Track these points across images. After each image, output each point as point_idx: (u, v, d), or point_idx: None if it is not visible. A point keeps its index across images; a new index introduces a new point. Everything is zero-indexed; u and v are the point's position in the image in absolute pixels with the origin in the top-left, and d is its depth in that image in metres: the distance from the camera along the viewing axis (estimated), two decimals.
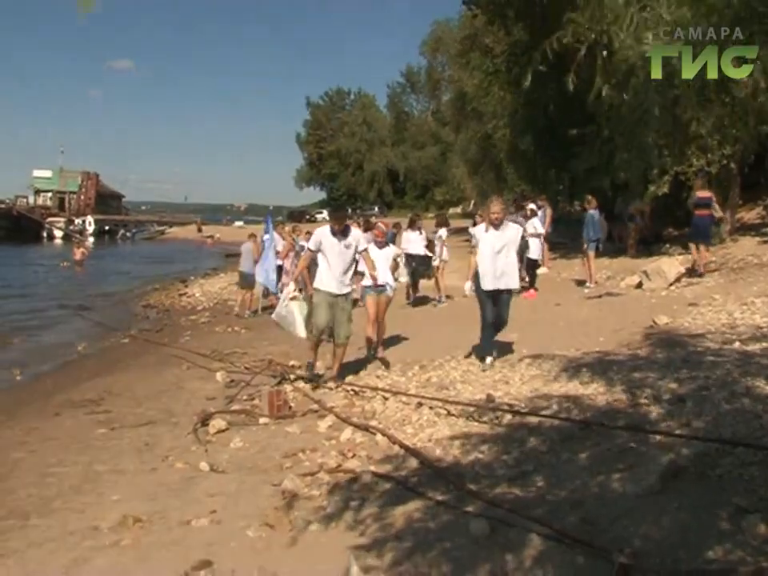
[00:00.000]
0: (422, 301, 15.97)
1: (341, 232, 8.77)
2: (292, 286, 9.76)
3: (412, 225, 15.75)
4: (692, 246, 14.84)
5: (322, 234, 8.88)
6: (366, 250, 9.06)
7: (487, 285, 8.67)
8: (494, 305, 8.74)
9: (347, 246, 8.74)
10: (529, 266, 15.88)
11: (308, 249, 9.39)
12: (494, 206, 8.85)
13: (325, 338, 9.17)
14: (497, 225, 8.75)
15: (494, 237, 8.70)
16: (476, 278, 8.83)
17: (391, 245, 11.27)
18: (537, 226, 16.85)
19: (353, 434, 6.56)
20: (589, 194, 16.79)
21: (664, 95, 5.59)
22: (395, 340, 11.17)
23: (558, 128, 19.73)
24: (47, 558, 4.41)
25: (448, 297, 15.53)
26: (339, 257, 8.73)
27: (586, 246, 15.67)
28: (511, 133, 25.21)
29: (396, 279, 11.02)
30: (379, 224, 11.65)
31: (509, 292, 8.82)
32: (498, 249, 8.65)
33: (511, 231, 8.93)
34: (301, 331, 9.53)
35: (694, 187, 15.39)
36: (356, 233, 9.09)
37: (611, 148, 16.51)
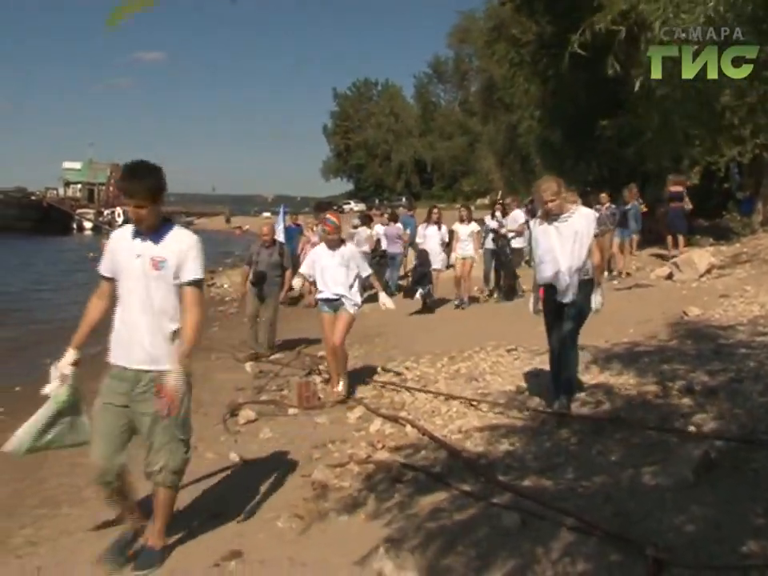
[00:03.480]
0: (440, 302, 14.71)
1: (147, 231, 4.11)
2: (70, 355, 4.44)
3: (429, 219, 14.38)
4: (669, 238, 16.17)
5: (116, 238, 4.33)
6: (196, 283, 4.11)
7: (546, 299, 6.39)
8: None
9: (158, 265, 4.06)
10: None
11: (101, 276, 4.39)
12: (543, 188, 6.15)
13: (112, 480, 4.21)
14: (553, 215, 6.15)
15: (551, 231, 6.14)
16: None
17: (349, 243, 8.25)
18: (519, 219, 15.27)
19: (382, 425, 6.55)
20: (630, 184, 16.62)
21: (702, 88, 5.57)
22: (421, 332, 11.12)
23: (587, 118, 19.49)
24: (78, 547, 4.46)
25: (471, 298, 14.53)
26: (144, 286, 4.09)
27: (620, 237, 15.45)
28: (539, 124, 24.97)
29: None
30: (329, 216, 8.16)
31: (573, 304, 6.17)
32: (558, 248, 6.07)
33: (577, 221, 6.11)
34: (12, 442, 4.27)
35: (667, 184, 16.76)
36: (182, 237, 4.17)
37: (641, 137, 16.53)
